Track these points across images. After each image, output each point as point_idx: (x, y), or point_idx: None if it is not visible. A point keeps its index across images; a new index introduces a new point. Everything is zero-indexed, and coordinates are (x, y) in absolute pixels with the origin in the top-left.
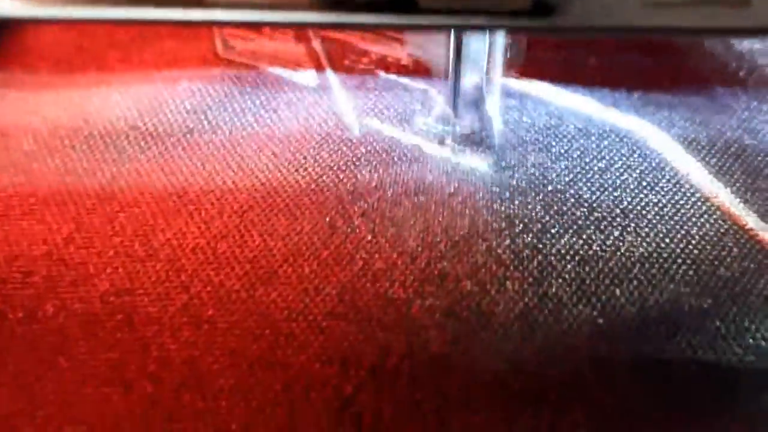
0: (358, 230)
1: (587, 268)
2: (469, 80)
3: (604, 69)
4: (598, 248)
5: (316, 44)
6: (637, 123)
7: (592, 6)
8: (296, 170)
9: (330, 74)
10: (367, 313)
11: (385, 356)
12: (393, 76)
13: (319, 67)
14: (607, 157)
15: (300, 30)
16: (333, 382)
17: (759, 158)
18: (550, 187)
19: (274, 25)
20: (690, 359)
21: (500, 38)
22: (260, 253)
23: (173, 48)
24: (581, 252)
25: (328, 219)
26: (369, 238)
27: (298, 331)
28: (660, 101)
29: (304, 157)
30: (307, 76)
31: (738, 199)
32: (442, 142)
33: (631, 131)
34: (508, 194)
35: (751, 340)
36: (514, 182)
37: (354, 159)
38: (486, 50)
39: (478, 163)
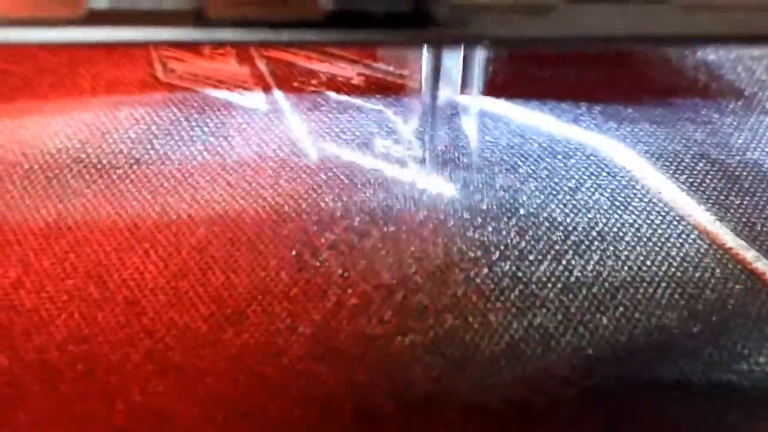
0: (327, 264)
1: (571, 296)
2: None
3: (558, 83)
4: (579, 274)
5: (261, 65)
6: (601, 140)
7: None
8: (255, 201)
9: (280, 97)
10: (345, 353)
11: (368, 399)
12: (345, 97)
13: (267, 89)
14: (576, 177)
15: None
16: (316, 430)
17: (729, 172)
18: (522, 211)
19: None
20: (684, 386)
21: (479, 53)
22: (225, 292)
23: (109, 72)
24: (563, 279)
25: (294, 252)
26: (340, 272)
27: (274, 375)
28: (621, 115)
29: (262, 186)
30: (256, 100)
31: (713, 217)
32: (404, 166)
33: (596, 148)
34: (480, 220)
35: (745, 365)
36: (485, 206)
37: (315, 186)
38: (459, 66)
39: (444, 187)
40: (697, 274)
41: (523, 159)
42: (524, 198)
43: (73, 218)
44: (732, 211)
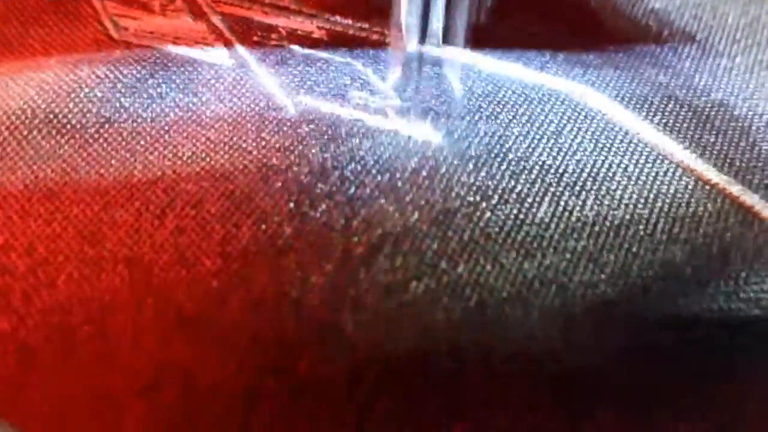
0: (327, 214)
1: (576, 236)
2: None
3: (517, 32)
4: (578, 215)
5: (216, 20)
6: (573, 86)
7: None
8: (241, 155)
9: (244, 51)
10: (362, 302)
11: (397, 351)
12: (311, 51)
13: (227, 45)
14: (555, 122)
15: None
16: (345, 388)
17: (698, 112)
18: (511, 156)
19: None
20: (699, 318)
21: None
22: (229, 246)
23: (60, 33)
24: (564, 220)
25: (291, 205)
26: (342, 222)
27: (294, 329)
28: (584, 62)
29: (245, 141)
30: (220, 55)
31: (693, 155)
32: (384, 116)
33: (569, 94)
34: (472, 166)
35: (752, 294)
36: (473, 152)
37: (300, 139)
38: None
39: (430, 135)
40: (690, 210)
41: (501, 106)
42: (510, 143)
43: (52, 180)
44: (709, 148)
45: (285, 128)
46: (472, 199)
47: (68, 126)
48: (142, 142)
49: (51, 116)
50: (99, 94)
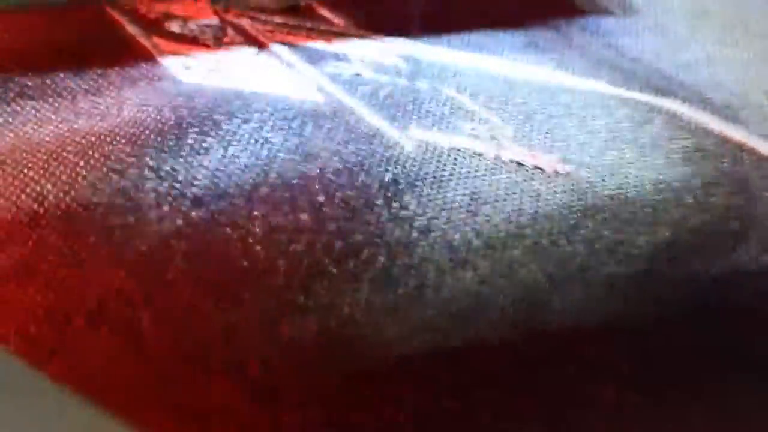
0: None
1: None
2: None
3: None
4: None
5: (280, 51)
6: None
7: None
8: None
9: (328, 84)
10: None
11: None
12: (395, 78)
13: (305, 79)
14: (643, 139)
15: None
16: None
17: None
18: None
19: None
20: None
21: None
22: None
23: (119, 77)
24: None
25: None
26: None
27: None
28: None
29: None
30: (304, 90)
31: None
32: (500, 145)
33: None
34: (611, 199)
35: None
36: (603, 185)
37: (434, 180)
38: None
39: (554, 165)
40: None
41: (592, 133)
42: (617, 167)
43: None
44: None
45: (412, 166)
46: (634, 233)
47: (184, 187)
48: (271, 203)
49: (164, 175)
50: (205, 145)
